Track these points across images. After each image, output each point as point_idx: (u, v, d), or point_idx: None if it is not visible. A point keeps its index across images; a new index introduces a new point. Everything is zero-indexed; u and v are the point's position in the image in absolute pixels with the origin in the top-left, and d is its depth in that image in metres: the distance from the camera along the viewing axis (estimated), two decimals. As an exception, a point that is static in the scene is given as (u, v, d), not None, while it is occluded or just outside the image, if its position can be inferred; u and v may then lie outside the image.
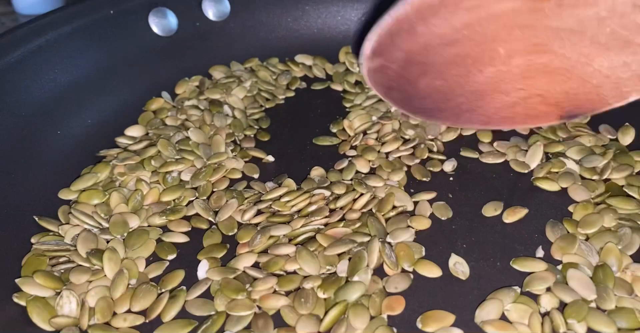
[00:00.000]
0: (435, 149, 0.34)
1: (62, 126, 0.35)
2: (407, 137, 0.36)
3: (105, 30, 0.39)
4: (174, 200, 0.32)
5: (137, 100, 0.39)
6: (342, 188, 0.31)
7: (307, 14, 0.45)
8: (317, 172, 0.33)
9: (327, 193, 0.31)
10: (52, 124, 0.35)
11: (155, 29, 0.41)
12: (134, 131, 0.37)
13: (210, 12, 0.43)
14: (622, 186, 0.31)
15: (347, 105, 0.39)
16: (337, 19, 0.45)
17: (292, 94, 0.41)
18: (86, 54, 0.38)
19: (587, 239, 0.28)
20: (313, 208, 0.30)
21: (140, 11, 0.40)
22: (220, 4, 0.43)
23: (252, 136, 0.37)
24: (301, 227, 0.29)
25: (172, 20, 0.41)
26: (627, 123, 0.35)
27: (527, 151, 0.34)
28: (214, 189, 0.32)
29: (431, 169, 0.33)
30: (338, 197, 0.31)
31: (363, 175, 0.33)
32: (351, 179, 0.33)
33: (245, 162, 0.35)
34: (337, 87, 0.42)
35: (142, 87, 0.40)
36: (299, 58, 0.44)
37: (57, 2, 0.60)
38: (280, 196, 0.31)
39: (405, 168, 0.33)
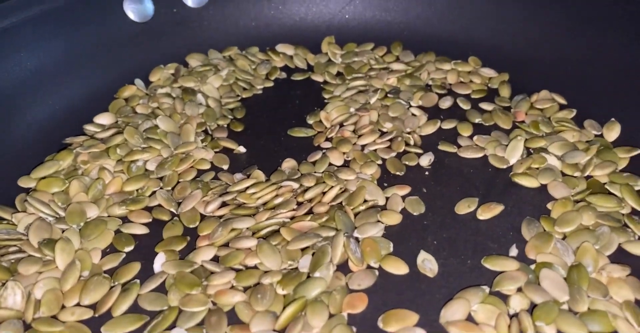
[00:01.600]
0: (412, 142, 0.33)
1: (27, 112, 0.34)
2: (384, 129, 0.34)
3: (77, 15, 0.37)
4: (137, 190, 0.30)
5: (109, 87, 0.38)
6: (312, 180, 0.30)
7: (290, 2, 0.43)
8: (288, 164, 0.32)
9: (295, 185, 0.29)
10: (16, 110, 0.34)
11: (130, 14, 0.40)
12: (103, 118, 0.36)
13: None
14: (605, 183, 0.30)
15: (327, 96, 0.38)
16: (320, 8, 0.44)
17: (270, 84, 0.40)
18: (56, 38, 0.37)
19: (564, 238, 0.27)
20: (279, 200, 0.28)
21: (115, -5, 0.39)
22: (199, -11, 0.41)
23: (225, 126, 0.36)
24: (266, 220, 0.27)
25: (148, 5, 0.40)
26: (612, 119, 0.33)
27: (507, 145, 0.32)
28: (180, 180, 0.31)
29: (407, 163, 0.32)
30: (307, 189, 0.29)
31: (336, 168, 0.31)
32: (323, 172, 0.31)
33: (216, 152, 0.33)
34: (318, 78, 0.40)
35: (115, 74, 0.39)
36: (280, 48, 0.43)
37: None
38: (247, 188, 0.29)
39: (380, 161, 0.32)
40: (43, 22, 0.36)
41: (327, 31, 0.44)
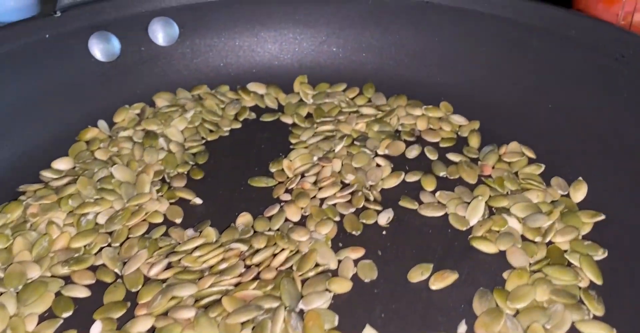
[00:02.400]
0: (372, 198, 0.32)
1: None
2: (346, 181, 0.33)
3: (39, 55, 0.37)
4: (84, 246, 0.30)
5: (71, 129, 0.37)
6: (263, 241, 0.29)
7: (263, 40, 0.43)
8: (243, 219, 0.31)
9: (243, 247, 0.28)
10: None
11: (96, 54, 0.39)
12: (62, 163, 0.35)
13: (158, 36, 0.41)
14: (565, 250, 0.28)
15: (293, 141, 0.37)
16: (293, 46, 0.43)
17: (238, 125, 0.39)
18: (17, 79, 0.36)
19: (516, 313, 0.26)
20: (224, 265, 0.27)
21: (80, 35, 0.38)
22: (168, 27, 0.41)
23: (185, 173, 0.35)
24: (209, 287, 0.27)
25: (115, 44, 0.39)
26: (580, 178, 0.32)
27: (469, 203, 0.31)
28: (129, 235, 0.30)
29: (364, 221, 0.31)
30: (257, 251, 0.28)
31: (291, 225, 0.31)
32: (278, 229, 0.30)
33: (171, 203, 0.33)
34: (287, 120, 0.39)
35: (79, 115, 0.38)
36: (251, 86, 0.42)
37: (30, 9, 0.58)
38: (194, 249, 0.28)
39: (337, 218, 0.31)
40: (2, 63, 0.35)
41: (300, 70, 0.43)
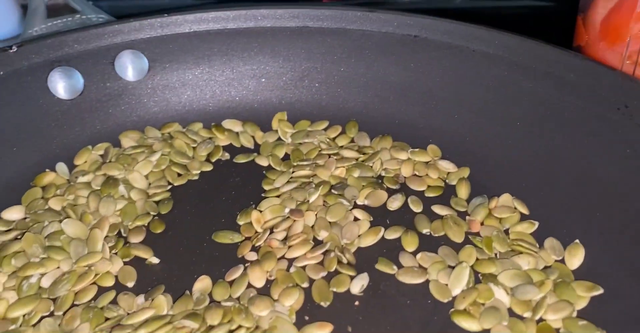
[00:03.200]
0: (345, 260, 0.29)
1: None
2: (320, 238, 0.30)
3: (-9, 95, 0.34)
4: (23, 316, 0.27)
5: (28, 173, 0.35)
6: (218, 316, 0.26)
7: (239, 75, 0.40)
8: (201, 284, 0.28)
9: (194, 325, 0.25)
10: None
11: (57, 91, 0.36)
12: (12, 213, 0.32)
13: (126, 71, 0.38)
14: (557, 330, 0.25)
15: (266, 188, 0.34)
16: (272, 81, 0.40)
17: (209, 167, 0.36)
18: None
19: None
20: (171, 347, 0.24)
21: (39, 71, 0.36)
22: (137, 61, 0.38)
23: (144, 226, 0.32)
24: (152, 371, 0.23)
25: (78, 80, 0.37)
26: (577, 240, 0.29)
27: (453, 269, 0.28)
28: (75, 302, 0.27)
29: (335, 289, 0.28)
30: (211, 328, 0.25)
31: (253, 293, 0.28)
32: (238, 298, 0.27)
33: (125, 263, 0.30)
34: (262, 162, 0.36)
35: (37, 158, 0.35)
36: (226, 124, 0.39)
37: (14, 27, 0.55)
38: (139, 326, 0.25)
39: (306, 284, 0.28)
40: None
41: (280, 106, 0.40)
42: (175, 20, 0.39)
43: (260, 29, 0.39)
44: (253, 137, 0.38)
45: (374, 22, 0.38)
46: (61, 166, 0.35)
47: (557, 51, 0.32)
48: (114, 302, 0.28)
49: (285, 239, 0.31)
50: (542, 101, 0.33)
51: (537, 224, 0.30)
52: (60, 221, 0.31)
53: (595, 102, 0.30)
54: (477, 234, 0.31)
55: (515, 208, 0.31)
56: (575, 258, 0.28)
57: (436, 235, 0.31)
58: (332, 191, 0.33)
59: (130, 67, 0.38)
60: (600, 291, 0.26)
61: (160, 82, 0.39)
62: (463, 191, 0.33)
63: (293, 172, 0.35)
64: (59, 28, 0.40)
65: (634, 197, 0.28)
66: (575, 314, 0.26)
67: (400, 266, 0.29)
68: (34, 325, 0.26)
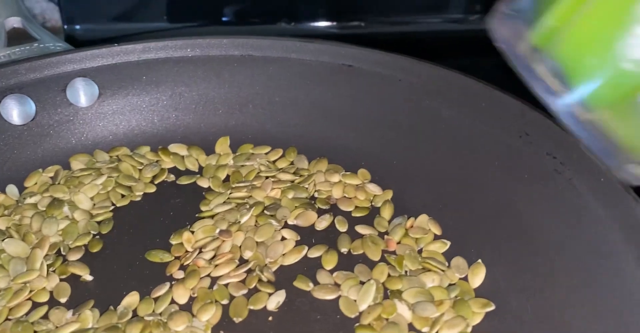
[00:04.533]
0: (265, 278, 0.31)
1: None
2: (245, 257, 0.33)
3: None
4: (-41, 330, 0.29)
5: (-22, 194, 0.36)
6: (137, 329, 0.28)
7: (186, 100, 0.42)
8: (129, 300, 0.30)
9: (111, 338, 0.27)
10: None
11: (9, 116, 0.38)
12: (-39, 233, 0.34)
13: (77, 97, 0.40)
14: (453, 344, 0.27)
15: (203, 208, 0.36)
16: (218, 106, 0.42)
17: (152, 189, 0.38)
18: None
19: None
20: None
21: (-9, 98, 0.38)
22: (88, 87, 0.40)
23: (83, 245, 0.34)
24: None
25: (30, 106, 0.39)
26: (479, 260, 0.31)
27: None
28: (9, 317, 0.29)
29: (252, 306, 0.30)
30: (129, 341, 0.27)
31: (175, 308, 0.30)
32: (160, 313, 0.29)
33: (61, 280, 0.32)
34: (203, 184, 0.39)
35: (-12, 180, 0.37)
36: (172, 148, 0.41)
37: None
38: (63, 338, 0.27)
39: (226, 301, 0.30)
40: None
41: (224, 131, 0.42)
42: (125, 49, 0.41)
43: (206, 57, 0.42)
44: (197, 160, 0.41)
45: (312, 52, 0.40)
46: (11, 188, 0.37)
47: (471, 82, 0.34)
48: (45, 316, 0.30)
49: (213, 258, 0.33)
50: (459, 127, 0.35)
51: (449, 244, 0.32)
52: (3, 240, 0.33)
53: (501, 129, 0.33)
54: (393, 252, 0.33)
55: (429, 229, 0.33)
56: (477, 277, 0.30)
57: (355, 253, 0.33)
58: (265, 211, 0.36)
59: (81, 93, 0.40)
60: (493, 307, 0.28)
61: (110, 107, 0.41)
62: (386, 212, 0.35)
63: (230, 193, 0.37)
64: (17, 56, 0.43)
65: (528, 222, 0.30)
66: (469, 329, 0.28)
67: (317, 283, 0.31)
68: (-33, 339, 0.28)
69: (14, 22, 0.45)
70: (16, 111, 0.39)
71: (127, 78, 0.41)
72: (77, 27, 0.56)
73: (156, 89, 0.42)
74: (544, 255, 0.29)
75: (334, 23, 0.58)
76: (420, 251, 0.32)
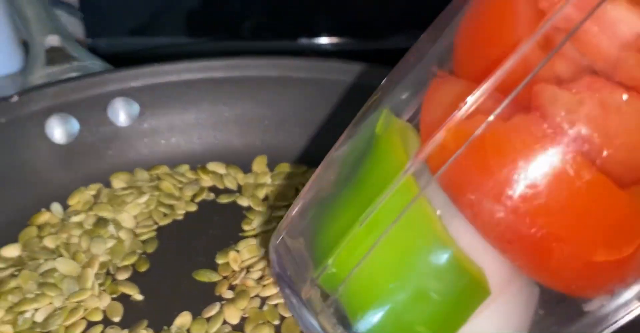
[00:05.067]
0: (313, 299, 0.32)
1: None
2: (292, 278, 0.33)
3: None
4: (17, 348, 0.29)
5: (25, 213, 0.37)
6: (194, 350, 0.28)
7: (224, 120, 0.43)
8: (182, 320, 0.31)
9: (171, 360, 0.28)
10: None
11: (54, 136, 0.39)
12: (10, 250, 0.35)
13: (118, 116, 0.41)
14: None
15: (245, 228, 0.37)
16: (255, 126, 0.43)
17: (194, 208, 0.39)
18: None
19: None
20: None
21: (37, 117, 0.39)
22: (129, 107, 0.41)
23: (130, 264, 0.34)
24: None
25: (73, 126, 0.40)
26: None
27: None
28: (66, 336, 0.30)
29: (302, 326, 0.30)
30: (187, 362, 0.28)
31: (228, 328, 0.30)
32: (214, 333, 0.30)
33: (112, 299, 0.32)
34: (243, 203, 0.39)
35: (33, 199, 0.38)
36: (211, 166, 0.42)
37: (15, 63, 0.59)
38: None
39: (277, 321, 0.31)
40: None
41: (261, 150, 0.43)
42: (166, 69, 0.42)
43: (244, 77, 0.43)
44: (236, 179, 0.41)
45: (350, 73, 0.41)
46: (56, 206, 0.38)
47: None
48: (102, 335, 0.30)
49: (261, 278, 0.33)
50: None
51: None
52: (55, 259, 0.33)
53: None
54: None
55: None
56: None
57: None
58: (306, 231, 0.36)
59: (122, 112, 0.41)
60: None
61: (149, 126, 0.42)
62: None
63: (271, 213, 0.38)
64: (57, 74, 0.43)
65: None
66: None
67: (364, 304, 0.32)
68: (27, 358, 0.29)
69: (53, 40, 0.45)
70: (60, 131, 0.39)
71: (167, 97, 0.42)
72: (99, 40, 0.57)
73: (195, 108, 0.43)
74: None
75: (353, 40, 0.59)
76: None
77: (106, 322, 0.31)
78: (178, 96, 0.42)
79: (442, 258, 0.20)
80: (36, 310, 0.31)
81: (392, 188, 0.20)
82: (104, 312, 0.32)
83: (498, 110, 0.18)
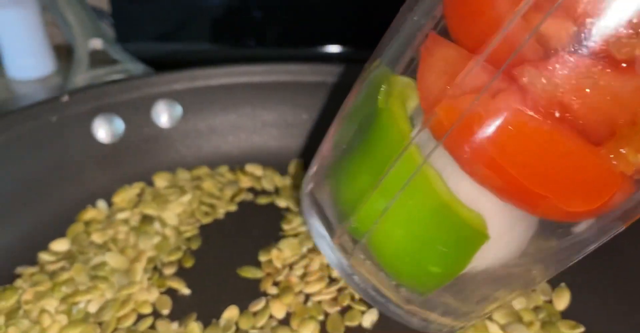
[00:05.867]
0: (357, 297, 0.33)
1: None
2: (334, 276, 0.34)
3: (43, 138, 0.38)
4: (72, 337, 0.30)
5: (72, 209, 0.38)
6: (243, 342, 0.29)
7: (262, 123, 0.44)
8: (229, 314, 0.32)
9: (222, 350, 0.29)
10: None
11: (99, 135, 0.40)
12: (59, 245, 0.36)
13: (161, 118, 0.42)
14: (543, 363, 0.29)
15: (285, 227, 0.38)
16: (292, 129, 0.44)
17: (234, 208, 0.40)
18: (22, 161, 0.37)
19: None
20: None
21: (85, 117, 0.40)
22: (172, 109, 0.42)
23: (176, 260, 0.36)
24: (188, 390, 0.27)
25: (118, 126, 0.41)
26: (562, 284, 0.32)
27: (453, 307, 0.32)
28: (118, 326, 0.31)
29: (348, 323, 0.31)
30: (237, 353, 0.29)
31: (275, 323, 0.31)
32: (262, 327, 0.31)
33: (161, 293, 0.33)
34: (281, 204, 0.40)
35: (79, 196, 0.39)
36: (249, 168, 0.43)
37: (48, 66, 0.60)
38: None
39: (322, 316, 0.32)
40: (7, 148, 0.36)
41: (298, 152, 0.44)
42: (208, 73, 0.43)
43: (284, 82, 0.44)
44: (273, 180, 0.42)
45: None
46: (101, 203, 0.39)
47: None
48: (152, 327, 0.31)
49: (304, 275, 0.34)
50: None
51: (528, 267, 0.34)
52: (104, 254, 0.34)
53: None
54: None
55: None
56: (562, 299, 0.32)
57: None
58: (345, 232, 0.37)
59: (165, 114, 0.42)
60: (582, 329, 0.30)
61: (191, 128, 0.43)
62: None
63: (310, 213, 0.39)
64: (100, 77, 0.45)
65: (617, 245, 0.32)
66: (559, 350, 0.29)
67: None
68: (82, 347, 0.30)
69: (96, 44, 0.47)
70: (105, 130, 0.41)
71: (209, 100, 0.43)
72: (128, 45, 0.58)
73: (234, 111, 0.44)
74: (635, 281, 0.30)
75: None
76: (501, 274, 0.34)
77: (156, 314, 0.32)
78: (219, 100, 0.44)
79: (444, 214, 0.24)
80: (89, 301, 0.32)
81: (398, 158, 0.24)
82: (153, 305, 0.33)
83: (484, 89, 0.21)
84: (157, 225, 0.37)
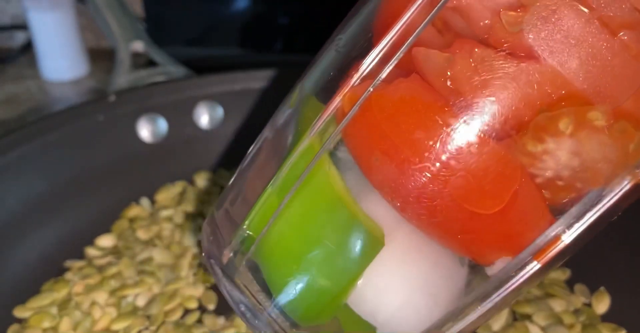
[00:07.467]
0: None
1: (30, 235, 0.36)
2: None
3: (91, 137, 0.39)
4: (123, 329, 0.31)
5: (117, 206, 0.39)
6: (291, 337, 0.30)
7: (300, 125, 0.45)
8: (274, 309, 0.32)
9: (273, 343, 0.30)
10: (21, 233, 0.35)
11: (144, 135, 0.41)
12: (105, 240, 0.37)
13: (203, 119, 0.43)
14: (585, 365, 0.29)
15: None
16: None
17: (272, 208, 0.41)
18: (69, 161, 0.38)
19: None
20: (253, 361, 0.29)
21: (130, 117, 0.41)
22: (213, 111, 0.43)
23: (220, 257, 0.36)
24: (238, 382, 0.28)
25: (162, 126, 0.42)
26: (602, 287, 0.33)
27: (493, 308, 0.32)
28: (165, 319, 0.32)
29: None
30: (285, 347, 0.30)
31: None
32: (306, 323, 0.31)
33: (206, 288, 0.34)
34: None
35: (124, 193, 0.40)
36: (287, 169, 0.44)
37: (81, 69, 0.62)
38: (225, 342, 0.30)
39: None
40: (58, 146, 0.38)
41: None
42: (248, 76, 0.44)
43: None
44: (310, 181, 0.43)
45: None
46: (145, 201, 0.40)
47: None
48: (199, 321, 0.32)
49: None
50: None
51: (568, 271, 0.34)
52: (150, 249, 0.35)
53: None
54: (514, 278, 0.35)
55: (547, 256, 0.35)
56: (602, 303, 0.32)
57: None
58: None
59: (206, 115, 0.43)
60: (624, 332, 0.30)
61: (232, 129, 0.44)
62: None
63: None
64: (142, 78, 0.46)
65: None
66: (600, 352, 0.30)
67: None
68: (133, 337, 0.31)
69: (138, 46, 0.48)
70: (149, 130, 0.42)
71: (249, 103, 0.44)
72: (162, 49, 0.59)
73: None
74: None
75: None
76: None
77: (202, 309, 0.33)
78: (258, 102, 0.44)
79: (338, 212, 0.21)
80: (137, 295, 0.33)
81: (298, 150, 0.22)
82: (199, 299, 0.33)
83: (381, 74, 0.20)
84: (200, 223, 0.38)
